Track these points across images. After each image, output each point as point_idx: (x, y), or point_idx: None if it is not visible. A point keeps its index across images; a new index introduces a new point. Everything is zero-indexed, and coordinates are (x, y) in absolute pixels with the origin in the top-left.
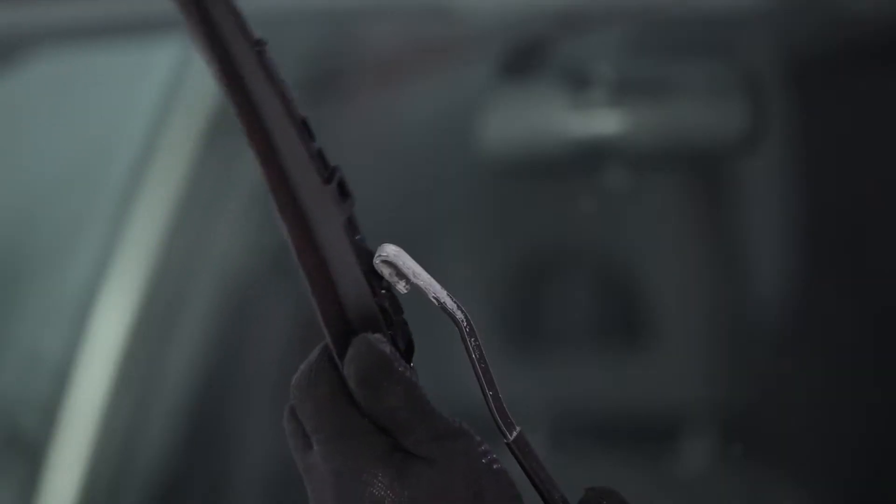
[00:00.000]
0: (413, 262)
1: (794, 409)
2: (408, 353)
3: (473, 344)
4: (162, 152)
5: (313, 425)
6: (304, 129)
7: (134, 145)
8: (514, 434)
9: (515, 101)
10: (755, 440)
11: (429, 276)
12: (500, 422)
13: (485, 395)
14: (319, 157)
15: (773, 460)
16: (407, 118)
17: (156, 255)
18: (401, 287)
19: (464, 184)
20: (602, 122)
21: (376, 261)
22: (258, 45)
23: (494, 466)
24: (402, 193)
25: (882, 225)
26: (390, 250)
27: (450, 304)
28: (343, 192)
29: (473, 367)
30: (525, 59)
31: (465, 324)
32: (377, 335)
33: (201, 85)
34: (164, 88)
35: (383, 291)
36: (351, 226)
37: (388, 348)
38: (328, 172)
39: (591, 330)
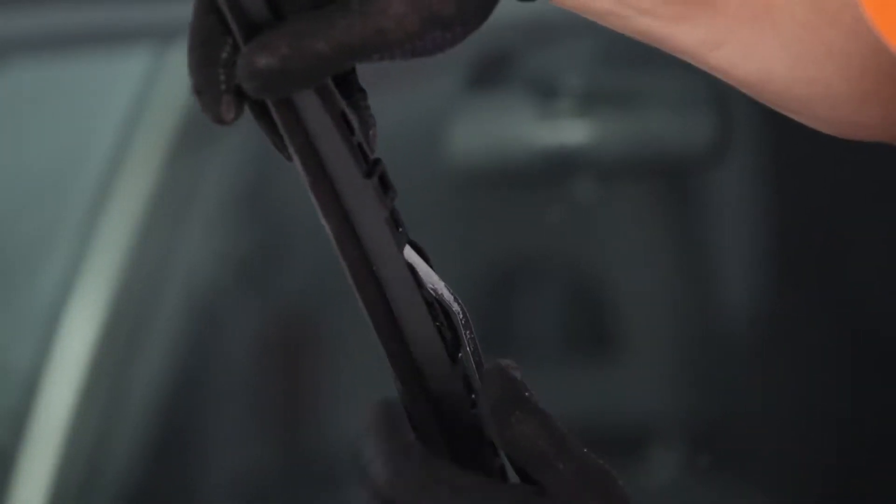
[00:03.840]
0: (413, 252)
1: (763, 421)
2: (455, 346)
3: (469, 337)
4: (131, 163)
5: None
6: (343, 123)
7: (103, 155)
8: None
9: (483, 111)
10: (723, 451)
11: (427, 267)
12: None
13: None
14: (360, 151)
15: (741, 472)
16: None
17: (125, 265)
18: None
19: (431, 194)
20: (570, 132)
21: None
22: None
23: None
24: None
25: (852, 235)
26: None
27: (447, 296)
28: (384, 186)
29: (469, 359)
30: (493, 69)
31: (461, 317)
32: (507, 361)
33: (171, 95)
34: (134, 98)
35: (422, 291)
36: (393, 219)
37: (518, 374)
38: (369, 166)
39: (559, 340)
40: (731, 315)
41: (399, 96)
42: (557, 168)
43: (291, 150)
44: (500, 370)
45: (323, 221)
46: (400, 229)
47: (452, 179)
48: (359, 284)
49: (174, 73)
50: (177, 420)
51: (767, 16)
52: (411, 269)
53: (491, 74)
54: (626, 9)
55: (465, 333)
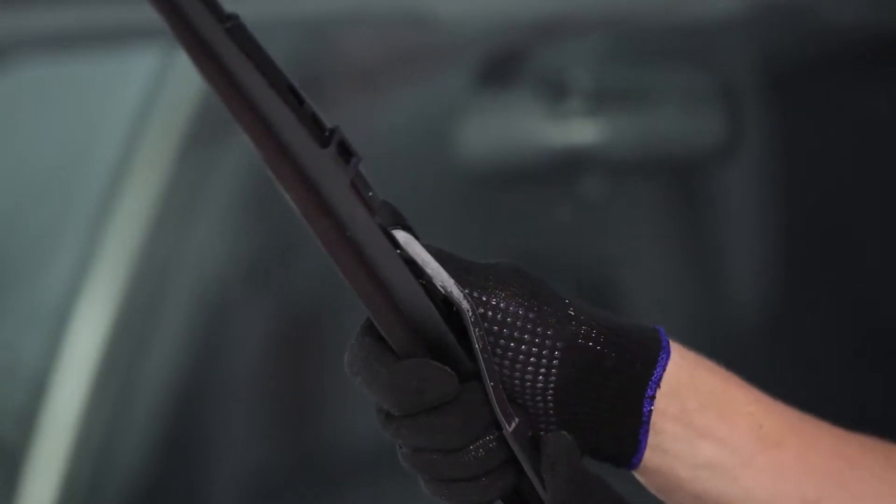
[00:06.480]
0: (423, 250)
1: None
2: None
3: (478, 334)
4: (140, 161)
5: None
6: (292, 96)
7: (112, 153)
8: (514, 425)
9: (493, 110)
10: None
11: (437, 264)
12: (499, 413)
13: (485, 385)
14: (313, 122)
15: None
16: (384, 127)
17: (133, 262)
18: None
19: (440, 192)
20: (579, 131)
21: None
22: (227, 21)
23: None
24: None
25: (859, 233)
26: (401, 237)
27: (456, 293)
28: (345, 152)
29: (476, 357)
30: (502, 68)
31: (470, 314)
32: (565, 433)
33: (179, 93)
34: (144, 96)
35: (398, 251)
36: (361, 183)
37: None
38: (325, 135)
39: None
40: (740, 313)
41: (409, 94)
42: (566, 166)
43: (241, 128)
44: (571, 444)
45: (285, 195)
46: (370, 193)
47: (461, 178)
48: (333, 252)
49: (184, 71)
50: (185, 418)
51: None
52: (385, 231)
53: (500, 73)
54: (731, 455)
55: (474, 330)
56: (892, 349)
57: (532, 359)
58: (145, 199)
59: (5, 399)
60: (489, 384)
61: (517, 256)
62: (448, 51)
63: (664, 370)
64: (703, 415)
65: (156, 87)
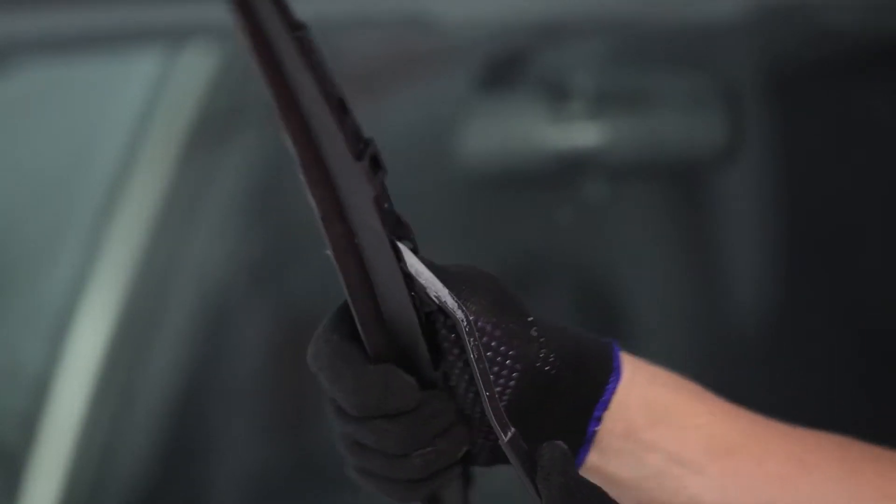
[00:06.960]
0: (416, 260)
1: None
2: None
3: (472, 344)
4: (142, 164)
5: None
6: (341, 108)
7: (114, 157)
8: (510, 434)
9: (495, 112)
10: None
11: (431, 274)
12: (495, 422)
13: (481, 395)
14: (353, 134)
15: None
16: (386, 129)
17: (135, 265)
18: None
19: (443, 195)
20: (581, 133)
21: None
22: (297, 30)
23: None
24: None
25: (859, 235)
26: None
27: (451, 303)
28: (374, 165)
29: (471, 366)
30: (504, 70)
31: (464, 323)
32: (561, 443)
33: (183, 96)
34: (146, 100)
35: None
36: (382, 195)
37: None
38: (360, 148)
39: None
40: (741, 316)
41: (412, 99)
42: (568, 169)
43: (285, 128)
44: (561, 453)
45: (308, 196)
46: (386, 205)
47: (464, 180)
48: (338, 254)
49: (186, 75)
50: (186, 420)
51: (805, 474)
52: (392, 244)
53: (502, 76)
54: (679, 466)
55: (469, 340)
56: (892, 349)
57: (489, 376)
58: (147, 202)
59: (7, 402)
60: (485, 394)
61: (519, 258)
62: (450, 53)
63: (612, 394)
64: (652, 431)
65: (157, 90)
